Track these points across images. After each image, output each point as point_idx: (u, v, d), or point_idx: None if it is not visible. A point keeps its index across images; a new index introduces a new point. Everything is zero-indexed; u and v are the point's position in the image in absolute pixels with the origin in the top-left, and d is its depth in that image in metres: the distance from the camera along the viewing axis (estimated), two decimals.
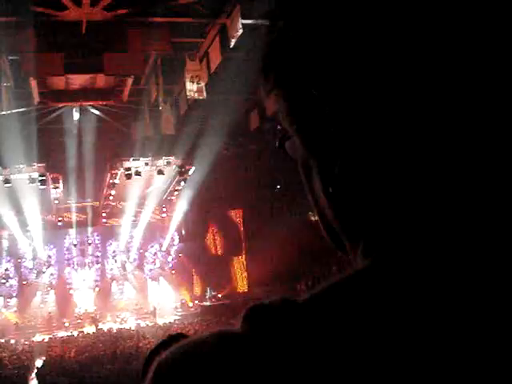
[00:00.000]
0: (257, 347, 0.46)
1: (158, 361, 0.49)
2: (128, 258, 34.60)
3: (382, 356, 0.44)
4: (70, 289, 32.98)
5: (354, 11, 0.51)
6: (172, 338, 0.54)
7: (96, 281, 33.86)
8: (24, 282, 32.43)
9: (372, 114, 0.50)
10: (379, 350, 0.44)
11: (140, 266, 34.96)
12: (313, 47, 0.53)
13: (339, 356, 0.44)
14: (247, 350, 0.46)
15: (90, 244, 33.95)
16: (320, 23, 0.53)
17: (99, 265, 34.24)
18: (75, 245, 33.50)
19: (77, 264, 33.68)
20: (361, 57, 0.50)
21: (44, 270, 32.84)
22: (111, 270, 34.36)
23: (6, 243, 32.20)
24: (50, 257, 33.25)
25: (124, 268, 34.35)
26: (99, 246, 34.39)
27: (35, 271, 32.69)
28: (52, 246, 33.24)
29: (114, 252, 34.48)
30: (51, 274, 33.14)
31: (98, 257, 34.34)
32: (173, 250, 35.09)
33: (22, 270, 32.59)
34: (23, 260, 32.62)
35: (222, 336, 0.49)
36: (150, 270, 34.89)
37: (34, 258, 32.65)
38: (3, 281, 31.79)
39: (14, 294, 31.97)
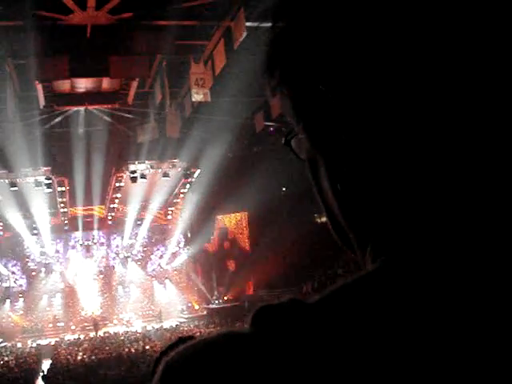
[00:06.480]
0: (265, 347, 0.46)
1: (166, 361, 0.49)
2: (132, 252, 34.91)
3: (390, 360, 0.44)
4: (76, 275, 33.45)
5: (360, 7, 0.51)
6: (182, 341, 0.54)
7: (100, 271, 34.29)
8: (33, 273, 32.80)
9: (379, 110, 0.50)
10: (388, 353, 0.44)
11: (144, 266, 35.19)
12: (318, 43, 0.53)
13: (347, 357, 0.44)
14: (255, 350, 0.46)
15: (95, 243, 34.36)
16: (324, 18, 0.53)
17: (104, 259, 34.75)
18: (81, 244, 34.02)
19: (82, 256, 34.19)
20: (367, 52, 0.50)
21: (53, 261, 33.27)
22: (114, 258, 34.77)
23: (12, 246, 32.43)
24: (57, 251, 33.74)
25: (126, 261, 34.66)
26: (104, 243, 34.86)
27: (43, 263, 33.16)
28: (58, 241, 33.70)
29: (117, 246, 34.90)
30: (60, 264, 33.60)
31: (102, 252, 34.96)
32: (178, 253, 35.13)
33: (29, 263, 33.06)
34: (31, 258, 33.07)
35: (231, 336, 0.48)
36: (153, 269, 35.08)
37: (41, 254, 33.09)
38: (13, 284, 32.14)
39: (24, 288, 32.30)
